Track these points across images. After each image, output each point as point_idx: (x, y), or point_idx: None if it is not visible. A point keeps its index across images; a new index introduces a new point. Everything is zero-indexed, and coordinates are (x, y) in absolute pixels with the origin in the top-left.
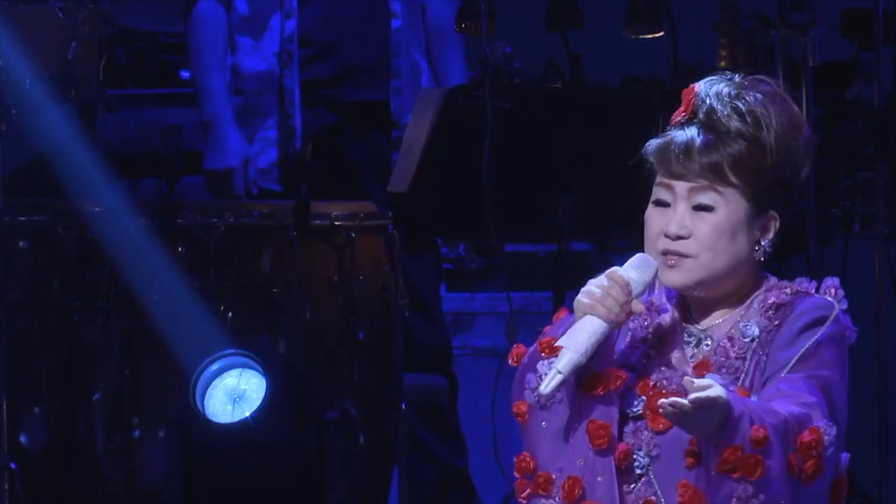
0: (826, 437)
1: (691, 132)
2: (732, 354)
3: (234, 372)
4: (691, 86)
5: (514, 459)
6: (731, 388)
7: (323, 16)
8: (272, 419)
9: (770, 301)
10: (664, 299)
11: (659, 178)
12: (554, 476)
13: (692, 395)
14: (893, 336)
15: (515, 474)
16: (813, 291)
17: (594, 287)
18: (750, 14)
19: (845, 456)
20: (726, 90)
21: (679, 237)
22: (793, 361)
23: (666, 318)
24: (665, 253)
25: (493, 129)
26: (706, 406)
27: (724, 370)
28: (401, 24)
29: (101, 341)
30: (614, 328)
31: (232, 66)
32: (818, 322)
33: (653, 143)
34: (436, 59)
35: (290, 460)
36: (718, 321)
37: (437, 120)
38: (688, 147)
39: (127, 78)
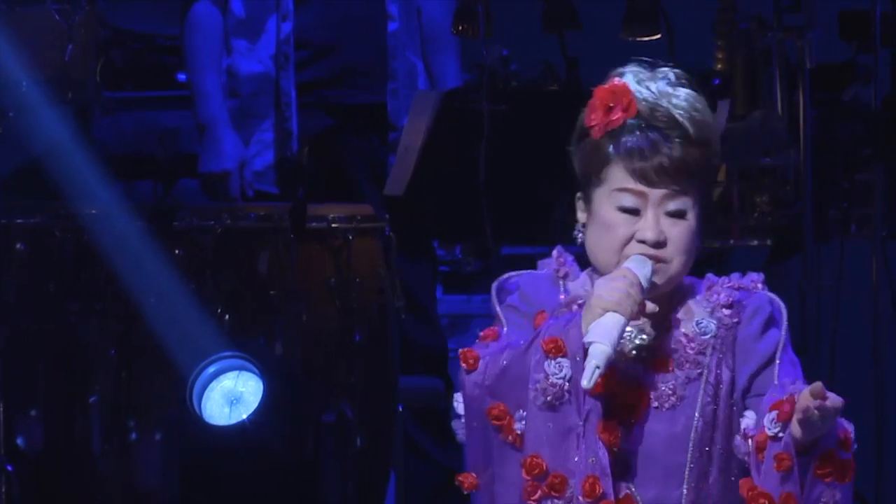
0: (852, 435)
1: (659, 140)
2: (691, 351)
3: (230, 374)
4: (619, 83)
5: (522, 462)
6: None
7: (319, 18)
8: (269, 421)
9: (722, 299)
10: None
11: (623, 184)
12: (567, 476)
13: (835, 400)
14: (890, 337)
15: (524, 476)
16: (750, 286)
17: (616, 284)
18: (747, 16)
19: None
20: (668, 89)
21: (658, 243)
22: (777, 371)
23: None
24: None
25: (490, 131)
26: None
27: (687, 366)
28: (397, 27)
29: (97, 343)
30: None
31: (227, 68)
32: (774, 320)
33: (606, 148)
34: (431, 62)
35: (286, 463)
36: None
37: (433, 122)
38: (667, 158)
39: (123, 80)
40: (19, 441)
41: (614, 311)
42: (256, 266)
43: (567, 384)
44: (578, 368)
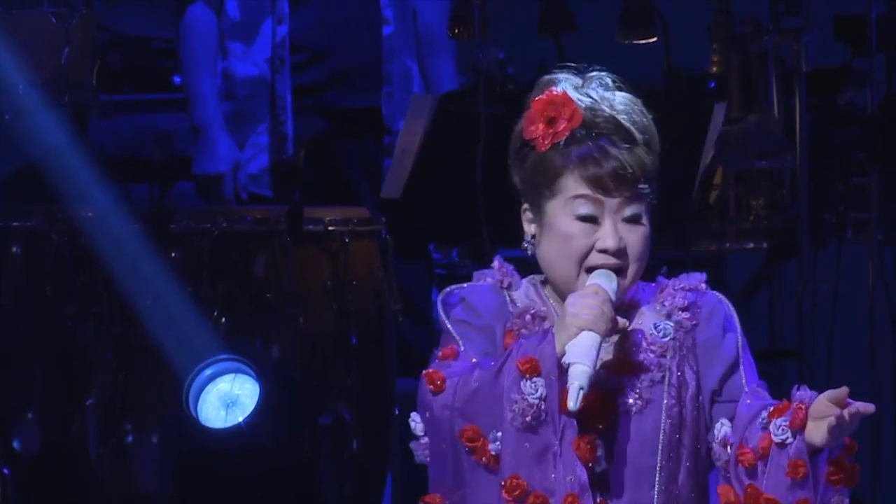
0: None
1: (609, 146)
2: (652, 354)
3: (227, 377)
4: (558, 94)
5: (503, 483)
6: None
7: (315, 21)
8: (265, 424)
9: (678, 302)
10: (540, 305)
11: (579, 191)
12: (547, 496)
13: (867, 406)
14: (886, 341)
15: (504, 496)
16: (699, 287)
17: (589, 302)
18: (743, 19)
19: None
20: (606, 94)
21: (618, 251)
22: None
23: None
24: (595, 268)
25: (486, 134)
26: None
27: (650, 369)
28: (392, 30)
29: (94, 346)
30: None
31: (223, 71)
32: (728, 320)
33: (555, 160)
34: (427, 65)
35: (283, 465)
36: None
37: (430, 125)
38: (620, 163)
39: (120, 83)
40: (16, 444)
41: (590, 330)
42: (253, 269)
43: (543, 403)
44: (553, 387)
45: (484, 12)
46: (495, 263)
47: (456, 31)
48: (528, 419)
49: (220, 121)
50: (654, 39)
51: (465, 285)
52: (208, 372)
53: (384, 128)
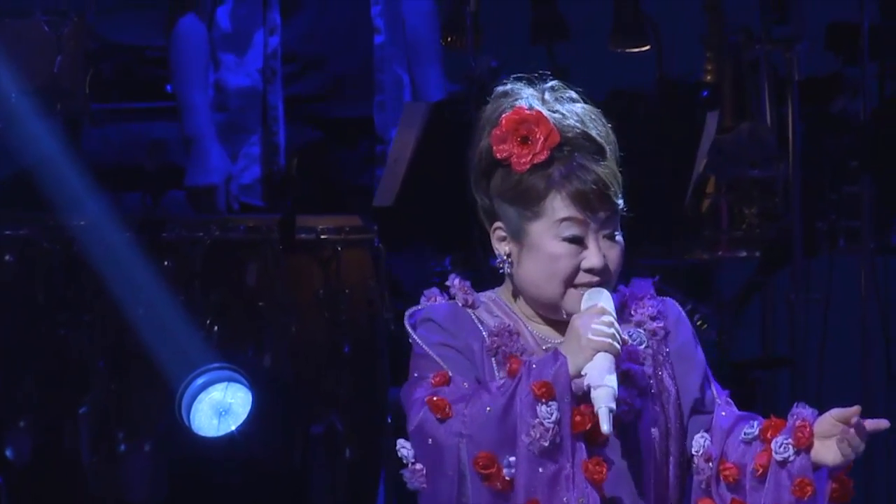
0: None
1: (589, 163)
2: (634, 363)
3: (219, 386)
4: (530, 112)
5: None
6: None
7: (306, 31)
8: (258, 433)
9: (650, 311)
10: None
11: (567, 214)
12: None
13: (877, 421)
14: (878, 349)
15: None
16: (656, 292)
17: (600, 324)
18: (735, 28)
19: None
20: (573, 107)
21: (603, 270)
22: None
23: (529, 341)
24: (581, 286)
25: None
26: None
27: (637, 378)
28: (384, 40)
29: (86, 355)
30: None
31: (215, 82)
32: (690, 327)
33: (536, 181)
34: (414, 72)
35: (275, 474)
36: None
37: (422, 134)
38: (601, 178)
39: (112, 92)
40: (8, 452)
41: (606, 351)
42: (245, 278)
43: (558, 427)
44: (566, 411)
45: (477, 21)
46: (456, 282)
47: (448, 39)
48: (545, 444)
49: (212, 132)
50: (647, 48)
51: (424, 307)
52: (201, 380)
53: (377, 137)
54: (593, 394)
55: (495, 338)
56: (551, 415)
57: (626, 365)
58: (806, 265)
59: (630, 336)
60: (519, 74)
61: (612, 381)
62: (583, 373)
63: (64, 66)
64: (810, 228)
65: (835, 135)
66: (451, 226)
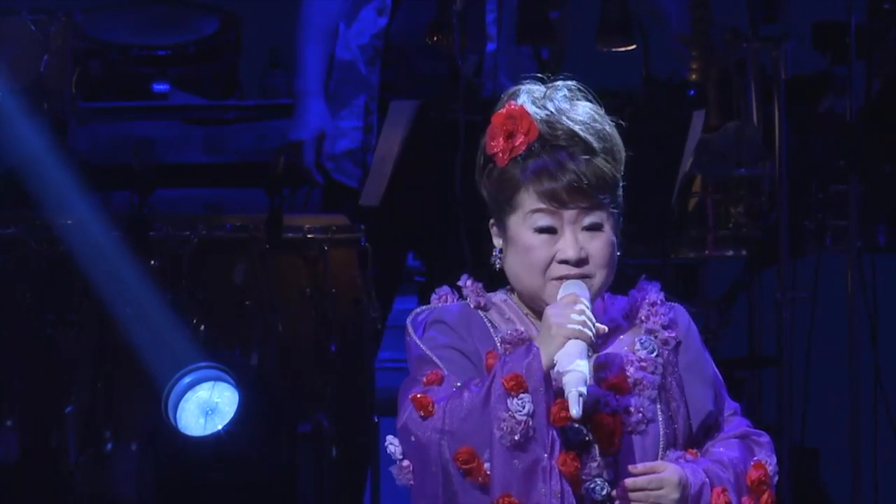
0: (770, 468)
1: (565, 159)
2: (645, 371)
3: (206, 385)
4: (516, 108)
5: (494, 502)
6: (685, 460)
7: (412, 23)
8: (245, 432)
9: (662, 320)
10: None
11: (537, 205)
12: None
13: (637, 480)
14: (865, 348)
15: None
16: (664, 297)
17: (570, 311)
18: (722, 27)
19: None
20: (565, 106)
21: (579, 261)
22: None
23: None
24: (559, 279)
25: (466, 142)
26: (656, 486)
27: (648, 386)
28: (495, 48)
29: (73, 354)
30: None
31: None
32: (699, 335)
33: (514, 174)
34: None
35: (262, 473)
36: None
37: (409, 133)
38: (575, 175)
39: (99, 90)
40: None
41: (577, 338)
42: (232, 276)
43: (531, 420)
44: (541, 402)
45: (464, 21)
46: (468, 283)
47: (435, 38)
48: (516, 437)
49: (316, 89)
50: (633, 47)
51: (433, 308)
52: (187, 380)
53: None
54: (564, 378)
55: (508, 346)
56: (523, 407)
57: (639, 373)
58: (792, 264)
59: (641, 344)
60: (535, 75)
61: (582, 365)
62: (554, 360)
63: (51, 64)
64: (797, 227)
65: (822, 134)
66: (438, 225)
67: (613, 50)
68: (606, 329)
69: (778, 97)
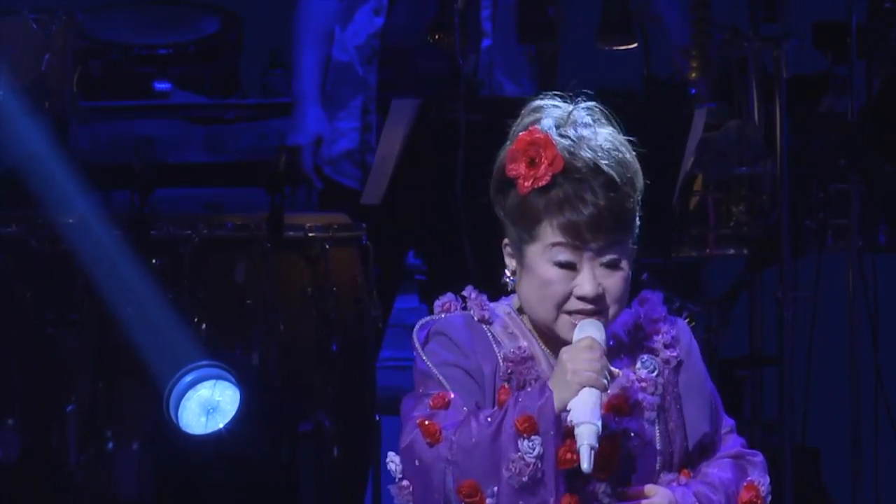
0: (762, 489)
1: (587, 192)
2: (645, 392)
3: (207, 383)
4: (541, 135)
5: None
6: (678, 482)
7: (408, 22)
8: (246, 431)
9: (665, 338)
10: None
11: (558, 239)
12: None
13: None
14: (866, 347)
15: None
16: (666, 312)
17: (587, 358)
18: (722, 26)
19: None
20: (587, 133)
21: (597, 298)
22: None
23: (543, 365)
24: (574, 313)
25: (467, 141)
26: None
27: (647, 408)
28: (490, 44)
29: (74, 353)
30: None
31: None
32: (698, 351)
33: (536, 204)
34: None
35: (263, 472)
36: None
37: (410, 132)
38: (597, 210)
39: (100, 90)
40: None
41: (591, 387)
42: (233, 275)
43: (540, 462)
44: (550, 445)
45: (464, 19)
46: (472, 295)
47: (436, 37)
48: (524, 479)
49: (313, 94)
50: (634, 45)
51: (437, 318)
52: (189, 378)
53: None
54: (576, 430)
55: (510, 363)
56: (533, 449)
57: (639, 395)
58: (794, 263)
59: (643, 363)
60: (557, 93)
61: (595, 417)
62: (568, 408)
63: (52, 63)
64: (798, 226)
65: (822, 133)
66: (439, 224)
67: (614, 49)
68: (620, 373)
69: (779, 97)
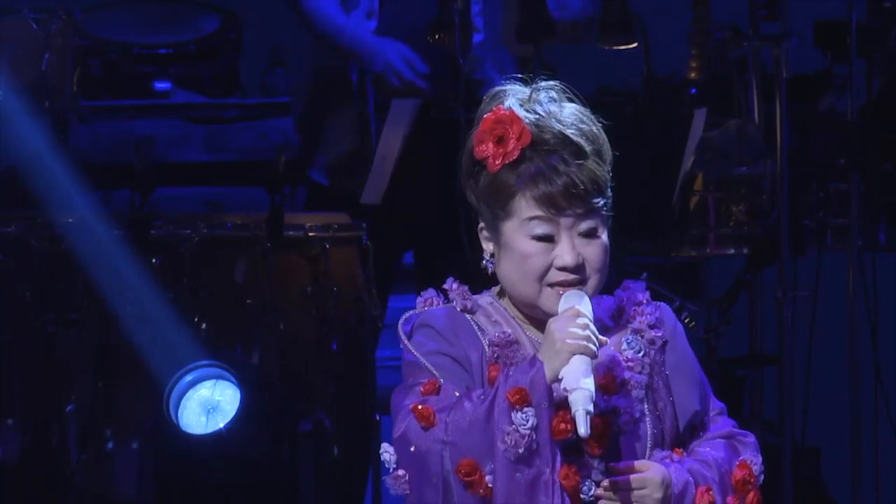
0: (755, 467)
1: (559, 163)
2: (632, 371)
3: (207, 383)
4: (505, 112)
5: None
6: (671, 459)
7: (397, 23)
8: (246, 430)
9: (649, 319)
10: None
11: (534, 213)
12: None
13: (619, 480)
14: (866, 347)
15: None
16: (649, 296)
17: (574, 327)
18: (722, 26)
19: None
20: (553, 108)
21: (577, 267)
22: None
23: (528, 348)
24: (556, 285)
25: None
26: (639, 486)
27: (635, 386)
28: (481, 39)
29: (74, 353)
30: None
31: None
32: (684, 334)
33: (507, 180)
34: None
35: (263, 472)
36: None
37: (410, 132)
38: (570, 179)
39: (100, 89)
40: None
41: (582, 354)
42: (233, 275)
43: (534, 433)
44: (544, 416)
45: (465, 19)
46: (454, 286)
47: (436, 37)
48: (520, 450)
49: (368, 36)
50: (634, 45)
51: (421, 312)
52: (189, 378)
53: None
54: (570, 397)
55: (496, 348)
56: (527, 421)
57: (627, 374)
58: (794, 263)
59: (628, 344)
60: (517, 75)
61: (588, 383)
62: (559, 376)
63: (52, 63)
64: (798, 226)
65: (822, 132)
66: (439, 224)
67: (614, 48)
68: (608, 341)
69: (779, 96)
